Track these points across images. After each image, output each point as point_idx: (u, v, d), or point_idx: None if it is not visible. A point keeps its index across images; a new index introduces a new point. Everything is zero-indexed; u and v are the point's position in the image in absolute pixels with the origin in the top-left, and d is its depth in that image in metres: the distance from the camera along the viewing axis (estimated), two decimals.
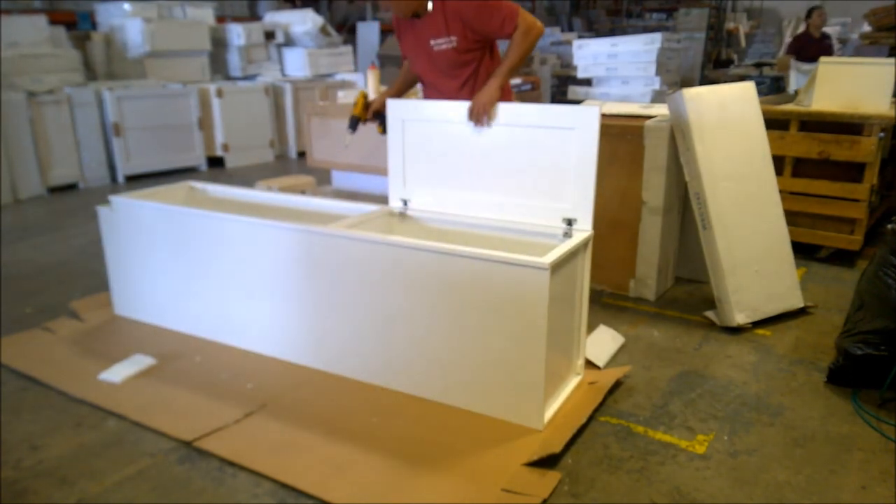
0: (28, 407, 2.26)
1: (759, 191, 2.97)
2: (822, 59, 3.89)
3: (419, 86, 3.00)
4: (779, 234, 3.00)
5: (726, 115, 2.94)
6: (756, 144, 3.00)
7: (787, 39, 9.57)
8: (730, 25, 12.64)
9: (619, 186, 3.10)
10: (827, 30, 7.27)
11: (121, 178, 5.83)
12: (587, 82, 7.15)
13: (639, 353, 2.64)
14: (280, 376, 2.41)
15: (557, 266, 1.98)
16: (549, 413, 2.11)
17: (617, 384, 2.36)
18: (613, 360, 2.56)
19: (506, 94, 2.55)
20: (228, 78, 7.23)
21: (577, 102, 3.57)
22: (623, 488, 1.84)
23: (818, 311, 3.04)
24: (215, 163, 6.60)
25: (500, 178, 2.41)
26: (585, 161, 2.21)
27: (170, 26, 6.45)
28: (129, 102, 5.75)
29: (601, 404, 2.23)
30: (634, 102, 5.02)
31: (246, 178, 5.90)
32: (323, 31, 7.51)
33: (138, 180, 5.76)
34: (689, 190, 2.92)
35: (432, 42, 2.52)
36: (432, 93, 2.71)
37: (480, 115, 2.35)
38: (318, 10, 8.54)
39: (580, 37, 9.81)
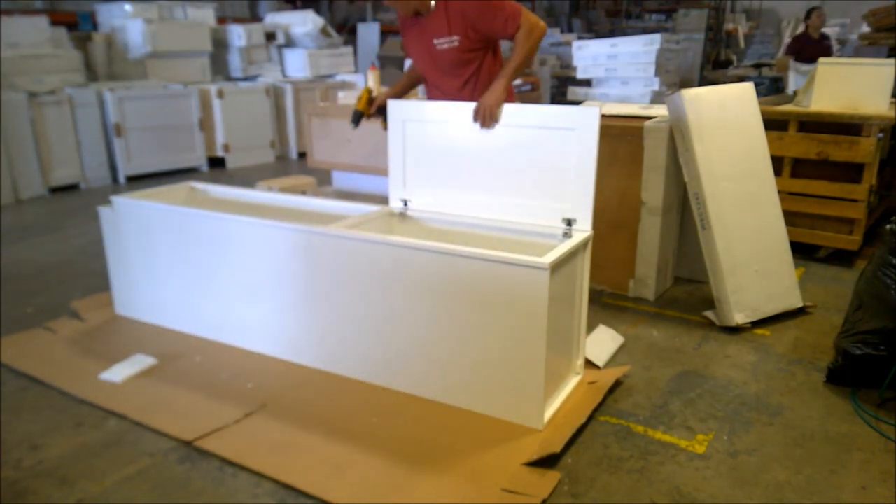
0: (28, 407, 2.26)
1: (759, 191, 2.98)
2: (821, 59, 3.89)
3: (419, 86, 3.01)
4: (778, 235, 3.00)
5: (725, 116, 2.94)
6: (755, 145, 3.01)
7: (786, 40, 9.58)
8: (729, 26, 12.65)
9: (618, 187, 3.11)
10: (826, 30, 7.28)
11: (122, 179, 5.84)
12: (587, 83, 7.15)
13: (638, 353, 2.64)
14: (280, 376, 2.42)
15: (557, 266, 1.98)
16: (548, 413, 2.12)
17: (616, 384, 2.36)
18: (613, 360, 2.56)
19: (508, 95, 2.56)
20: (229, 79, 7.24)
21: (577, 103, 3.58)
22: (623, 488, 1.85)
23: (817, 311, 3.04)
24: (216, 163, 6.60)
25: (500, 178, 2.42)
26: (585, 161, 2.21)
27: (171, 27, 6.46)
28: (130, 103, 5.76)
29: (601, 404, 2.23)
30: (634, 103, 5.03)
31: (247, 178, 5.91)
32: (323, 32, 7.52)
33: (139, 181, 5.76)
34: (689, 190, 2.92)
35: (435, 41, 2.53)
36: (434, 92, 2.71)
37: (486, 117, 2.35)
38: (318, 11, 8.55)
39: (580, 38, 9.82)
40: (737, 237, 2.88)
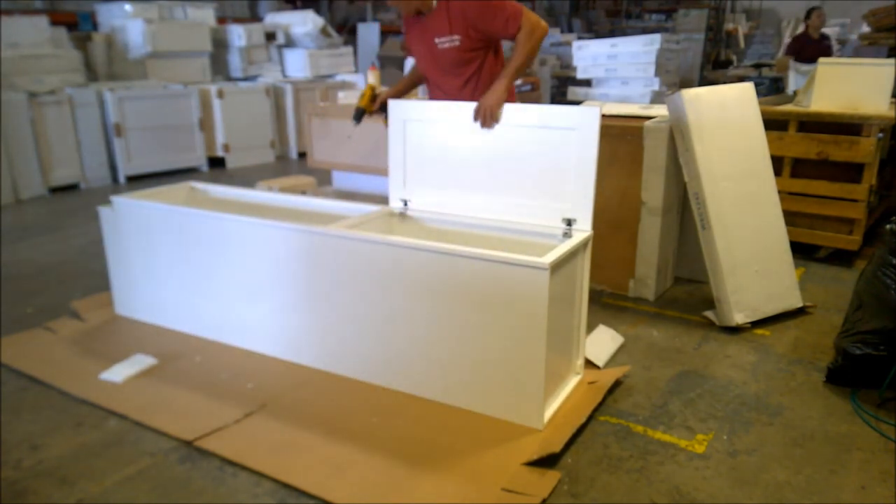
0: (28, 407, 2.26)
1: (759, 191, 2.98)
2: (821, 59, 3.90)
3: (419, 86, 3.01)
4: (778, 235, 3.00)
5: (725, 116, 2.94)
6: (755, 145, 3.01)
7: (786, 40, 9.58)
8: (729, 26, 12.65)
9: (618, 187, 3.11)
10: (826, 31, 7.28)
11: (122, 179, 5.84)
12: (587, 83, 7.15)
13: (638, 353, 2.65)
14: (280, 376, 2.42)
15: (557, 266, 1.98)
16: (548, 413, 2.12)
17: (616, 384, 2.36)
18: (613, 360, 2.56)
19: (509, 96, 2.57)
20: (229, 79, 7.24)
21: (577, 103, 3.58)
22: (623, 488, 1.85)
23: (817, 311, 3.04)
24: (216, 163, 6.61)
25: (501, 178, 2.42)
26: (585, 161, 2.21)
27: (171, 27, 6.46)
28: (130, 103, 5.76)
29: (601, 404, 2.23)
30: (634, 103, 5.03)
31: (247, 178, 5.91)
32: (323, 32, 7.52)
33: (139, 181, 5.76)
34: (689, 190, 2.92)
35: (436, 40, 2.53)
36: (435, 91, 2.72)
37: (487, 117, 2.36)
38: (318, 11, 8.55)
39: (580, 38, 9.83)
40: (737, 237, 2.88)
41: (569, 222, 2.26)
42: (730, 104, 2.97)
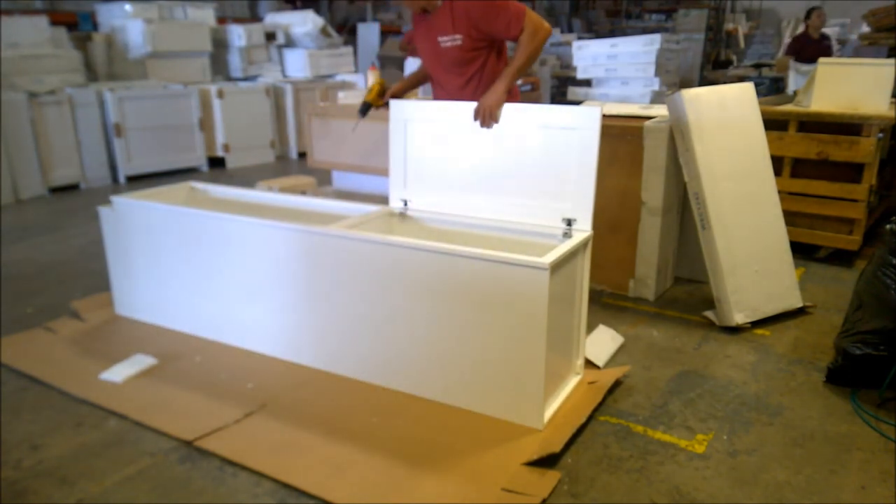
0: (28, 407, 2.26)
1: (759, 191, 2.98)
2: (821, 59, 3.90)
3: (420, 86, 3.02)
4: (778, 235, 3.00)
5: (725, 116, 2.94)
6: (755, 145, 3.01)
7: (786, 40, 9.58)
8: (729, 26, 12.65)
9: (618, 187, 3.11)
10: (826, 31, 7.28)
11: (122, 179, 5.84)
12: (587, 83, 7.15)
13: (638, 353, 2.64)
14: (280, 376, 2.42)
15: (557, 266, 1.98)
16: (548, 413, 2.12)
17: (616, 384, 2.36)
18: (613, 360, 2.56)
19: (513, 95, 2.58)
20: (229, 79, 7.24)
21: (577, 103, 3.58)
22: (623, 488, 1.85)
23: (817, 311, 3.04)
24: (216, 163, 6.61)
25: (501, 178, 2.42)
26: (586, 161, 2.21)
27: (171, 27, 6.46)
28: (130, 103, 5.76)
29: (601, 404, 2.23)
30: (634, 103, 5.03)
31: (247, 178, 5.91)
32: (323, 32, 7.52)
33: (139, 181, 5.76)
34: (689, 190, 2.92)
35: (439, 39, 2.55)
36: (438, 89, 2.74)
37: (486, 116, 2.36)
38: (318, 11, 8.55)
39: (580, 38, 9.82)
40: (737, 237, 2.88)
41: (569, 222, 2.26)
42: (730, 104, 2.97)
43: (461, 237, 2.46)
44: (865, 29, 7.29)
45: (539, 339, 1.98)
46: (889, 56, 6.18)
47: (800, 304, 3.00)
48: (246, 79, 7.21)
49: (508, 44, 2.64)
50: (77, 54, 5.79)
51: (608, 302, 3.16)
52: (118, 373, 2.42)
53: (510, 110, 2.37)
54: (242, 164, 6.71)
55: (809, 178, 3.66)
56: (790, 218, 3.33)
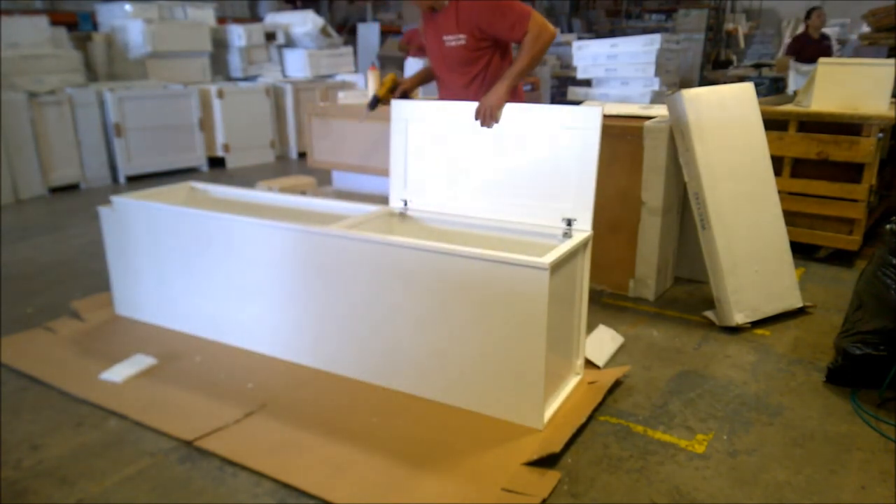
0: (28, 407, 2.26)
1: (758, 191, 2.98)
2: (821, 59, 3.90)
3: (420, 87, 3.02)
4: (778, 235, 3.00)
5: (725, 116, 2.94)
6: (755, 145, 3.01)
7: (787, 40, 9.58)
8: (729, 26, 12.64)
9: (618, 187, 3.11)
10: (826, 31, 7.28)
11: (122, 179, 5.84)
12: (587, 83, 7.14)
13: (638, 353, 2.64)
14: (280, 376, 2.42)
15: (557, 266, 1.98)
16: (548, 413, 2.12)
17: (616, 384, 2.36)
18: (613, 360, 2.56)
19: (517, 96, 2.59)
20: (229, 79, 7.24)
21: (577, 103, 3.58)
22: (623, 488, 1.85)
23: (817, 311, 3.04)
24: (216, 163, 6.61)
25: (501, 178, 2.42)
26: (586, 161, 2.21)
27: (171, 27, 6.46)
28: (130, 103, 5.76)
29: (601, 404, 2.23)
30: (634, 103, 5.03)
31: (247, 178, 5.91)
32: (323, 32, 7.52)
33: (139, 181, 5.77)
34: (689, 190, 2.92)
35: (444, 38, 2.57)
36: (442, 88, 2.77)
37: (487, 116, 2.37)
38: (318, 11, 8.55)
39: (580, 38, 9.82)
40: (737, 237, 2.88)
41: (569, 222, 2.26)
42: (730, 104, 2.97)
43: (461, 237, 2.46)
44: (865, 29, 7.29)
45: (539, 339, 1.98)
46: (889, 56, 6.18)
47: (800, 304, 3.00)
48: (246, 79, 7.20)
49: (513, 45, 2.65)
50: (77, 54, 5.79)
51: (608, 302, 3.16)
52: (118, 373, 2.42)
53: (511, 110, 2.37)
54: (242, 164, 6.71)
55: (809, 178, 3.66)
56: (790, 218, 3.33)
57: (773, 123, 3.53)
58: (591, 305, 2.42)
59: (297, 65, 7.51)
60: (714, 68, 10.45)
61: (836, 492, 1.84)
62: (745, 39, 12.25)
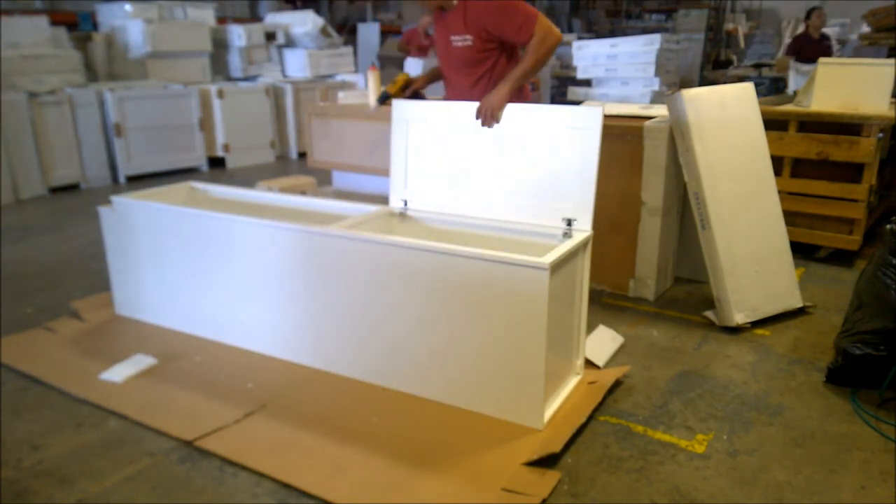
0: (28, 407, 2.26)
1: (758, 191, 2.98)
2: (821, 59, 3.90)
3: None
4: (778, 234, 3.00)
5: (725, 116, 2.94)
6: (755, 145, 3.01)
7: (787, 40, 9.58)
8: (729, 26, 12.64)
9: (618, 187, 3.11)
10: (826, 31, 7.28)
11: (122, 179, 5.84)
12: (587, 83, 7.15)
13: (638, 353, 2.65)
14: (280, 376, 2.42)
15: (557, 266, 1.98)
16: (548, 413, 2.12)
17: (616, 384, 2.36)
18: (613, 360, 2.56)
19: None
20: (229, 79, 7.24)
21: (577, 103, 3.58)
22: (623, 488, 1.85)
23: (817, 311, 3.04)
24: (216, 163, 6.61)
25: (501, 178, 2.42)
26: (587, 162, 2.21)
27: (171, 27, 6.46)
28: (130, 103, 5.76)
29: (601, 404, 2.23)
30: (634, 103, 5.03)
31: (247, 178, 5.91)
32: (323, 32, 7.52)
33: (139, 180, 5.77)
34: (689, 190, 2.92)
35: (452, 38, 2.58)
36: (448, 88, 2.80)
37: (488, 116, 2.37)
38: (318, 11, 8.55)
39: (580, 38, 9.82)
40: (737, 237, 2.88)
41: (569, 222, 2.26)
42: (730, 104, 2.97)
43: (461, 237, 2.46)
44: (865, 29, 7.29)
45: (539, 339, 1.98)
46: (889, 56, 6.18)
47: (800, 304, 3.00)
48: (246, 79, 7.21)
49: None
50: (77, 54, 5.79)
51: (608, 302, 3.16)
52: (118, 373, 2.42)
53: (511, 110, 2.37)
54: (242, 164, 6.71)
55: (809, 178, 3.66)
56: (790, 218, 3.33)
57: (773, 123, 3.53)
58: (591, 305, 2.42)
59: (297, 65, 7.51)
60: (714, 68, 10.45)
61: (836, 492, 1.84)
62: (745, 39, 12.25)
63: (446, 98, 2.79)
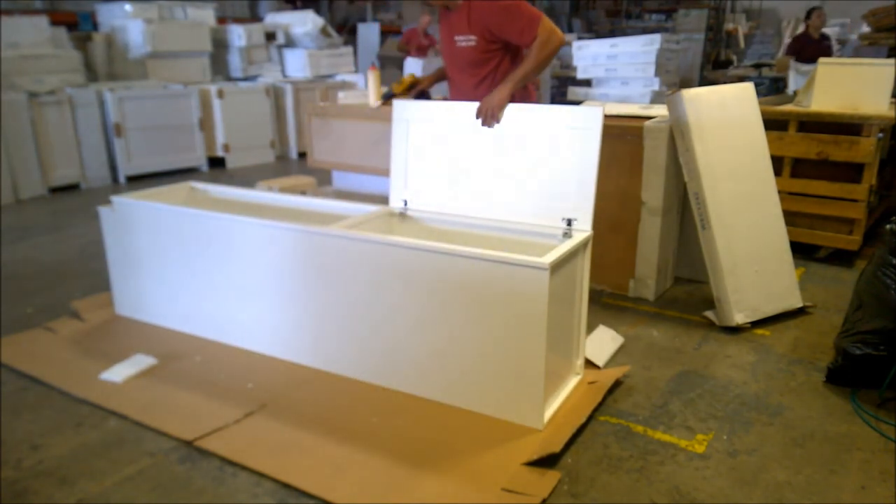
0: (28, 407, 2.26)
1: (758, 191, 2.98)
2: (821, 59, 3.90)
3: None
4: (778, 234, 3.00)
5: (725, 116, 2.94)
6: (755, 145, 3.01)
7: (787, 40, 9.58)
8: (729, 26, 12.64)
9: (618, 187, 3.11)
10: (826, 31, 7.28)
11: (122, 179, 5.84)
12: (587, 83, 7.15)
13: (638, 353, 2.65)
14: (280, 376, 2.42)
15: (557, 266, 1.98)
16: (548, 413, 2.12)
17: (616, 384, 2.36)
18: (613, 360, 2.56)
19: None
20: (229, 79, 7.24)
21: (577, 103, 3.58)
22: (623, 488, 1.85)
23: (817, 311, 3.04)
24: (216, 163, 6.61)
25: (501, 178, 2.42)
26: (587, 161, 2.21)
27: (171, 27, 6.46)
28: (130, 103, 5.76)
29: (601, 404, 2.23)
30: (634, 103, 5.03)
31: (247, 178, 5.91)
32: (323, 32, 7.53)
33: (139, 180, 5.77)
34: (689, 190, 2.92)
35: (456, 38, 2.59)
36: (452, 88, 2.80)
37: (488, 116, 2.37)
38: (318, 11, 8.55)
39: (580, 38, 9.82)
40: (737, 237, 2.88)
41: (569, 222, 2.26)
42: (730, 104, 2.97)
43: (461, 237, 2.46)
44: (865, 29, 7.29)
45: (539, 339, 1.98)
46: (889, 56, 6.18)
47: (800, 304, 3.00)
48: (246, 79, 7.21)
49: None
50: (77, 54, 5.79)
51: (608, 302, 3.16)
52: (118, 373, 2.42)
53: (512, 110, 2.37)
54: (242, 164, 6.71)
55: (809, 178, 3.66)
56: (790, 218, 3.33)
57: (773, 123, 3.54)
58: (591, 305, 2.42)
59: (297, 65, 7.51)
60: (714, 68, 10.45)
61: (836, 492, 1.84)
62: (745, 39, 12.25)
63: (450, 98, 2.79)
